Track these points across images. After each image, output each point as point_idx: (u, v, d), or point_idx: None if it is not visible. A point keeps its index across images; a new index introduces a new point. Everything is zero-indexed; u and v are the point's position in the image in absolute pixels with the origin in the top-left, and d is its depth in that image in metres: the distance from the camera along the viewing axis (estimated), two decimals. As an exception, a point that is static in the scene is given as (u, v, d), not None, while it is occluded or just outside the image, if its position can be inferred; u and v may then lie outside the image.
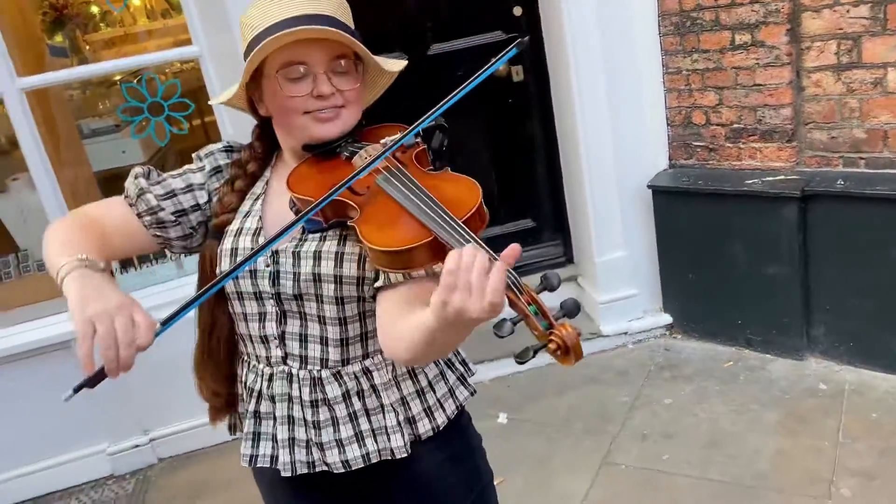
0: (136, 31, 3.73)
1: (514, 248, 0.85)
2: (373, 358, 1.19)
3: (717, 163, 2.90)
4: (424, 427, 1.21)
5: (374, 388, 1.19)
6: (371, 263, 1.09)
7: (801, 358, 2.81)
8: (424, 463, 1.23)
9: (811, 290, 2.73)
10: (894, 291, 2.52)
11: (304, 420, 1.19)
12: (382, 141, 1.09)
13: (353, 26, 1.15)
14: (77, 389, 0.94)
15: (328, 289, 1.14)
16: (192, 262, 3.05)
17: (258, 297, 1.17)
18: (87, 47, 5.00)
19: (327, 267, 1.13)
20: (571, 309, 0.85)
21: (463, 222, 0.95)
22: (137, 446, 3.00)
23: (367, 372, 1.19)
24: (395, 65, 1.22)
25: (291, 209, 1.12)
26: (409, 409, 1.20)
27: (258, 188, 1.24)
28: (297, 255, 1.14)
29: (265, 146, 1.25)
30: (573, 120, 3.01)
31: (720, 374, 2.86)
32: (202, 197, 1.24)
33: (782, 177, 2.70)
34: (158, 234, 1.22)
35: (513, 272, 0.86)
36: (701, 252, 2.95)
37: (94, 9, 3.73)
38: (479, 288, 0.83)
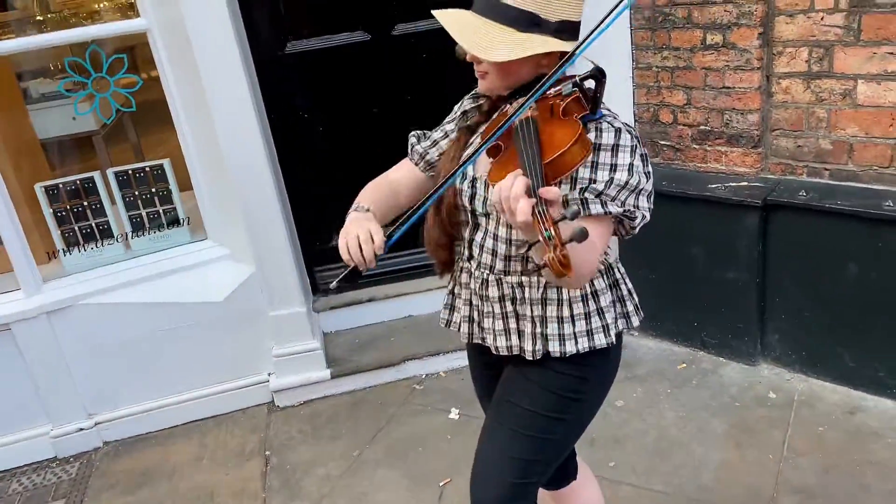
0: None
1: (552, 192, 1.07)
2: (530, 277, 1.40)
3: (682, 163, 2.84)
4: (553, 347, 1.41)
5: (524, 299, 1.42)
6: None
7: (754, 363, 2.81)
8: (549, 372, 1.44)
9: (768, 297, 2.71)
10: (849, 305, 2.51)
11: (476, 307, 1.49)
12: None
13: (536, 6, 1.28)
14: (341, 278, 1.35)
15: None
16: (141, 243, 2.98)
17: (463, 208, 1.45)
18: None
19: None
20: (580, 233, 1.01)
21: (548, 162, 1.15)
22: (82, 429, 2.94)
23: (521, 285, 1.42)
24: (518, 50, 1.28)
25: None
26: (546, 327, 1.41)
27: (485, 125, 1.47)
28: (486, 184, 1.38)
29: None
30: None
31: (673, 377, 2.85)
32: (454, 135, 1.52)
33: (745, 183, 2.65)
34: (433, 172, 1.56)
35: (541, 204, 1.06)
36: (661, 252, 2.91)
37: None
38: (511, 208, 1.07)
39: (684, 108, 2.76)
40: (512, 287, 1.43)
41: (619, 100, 2.91)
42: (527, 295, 1.42)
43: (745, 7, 2.47)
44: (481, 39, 1.28)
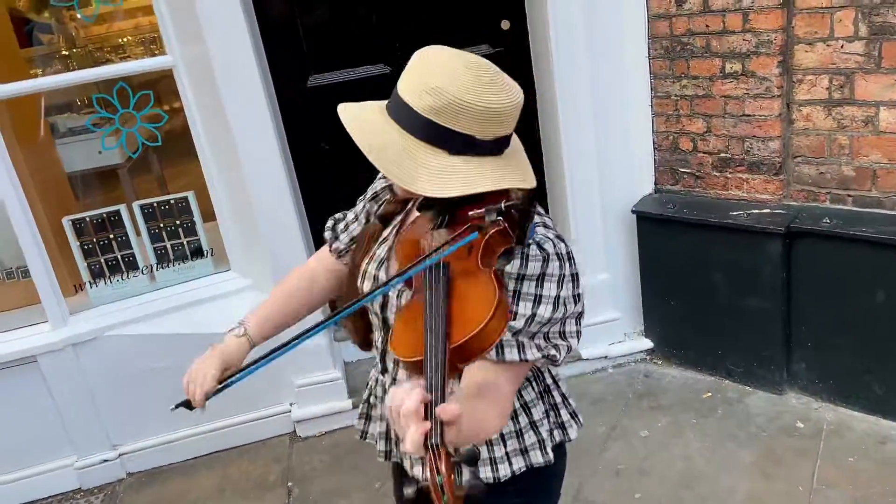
0: (126, 7, 3.59)
1: (450, 413, 0.85)
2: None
3: (702, 190, 2.84)
4: (485, 474, 1.24)
5: None
6: None
7: (781, 392, 2.78)
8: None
9: (793, 325, 2.68)
10: (876, 332, 2.48)
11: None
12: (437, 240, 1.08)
13: (465, 129, 1.08)
14: (177, 405, 1.41)
15: None
16: (165, 275, 3.02)
17: (374, 313, 1.30)
18: (73, 24, 4.88)
19: None
20: (469, 457, 0.84)
21: (456, 346, 0.94)
22: (106, 461, 2.95)
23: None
24: (457, 184, 1.09)
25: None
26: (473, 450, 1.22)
27: (400, 217, 1.34)
28: (399, 293, 1.21)
29: None
30: (558, 138, 2.94)
31: (698, 406, 2.82)
32: (363, 218, 1.41)
33: (768, 210, 2.64)
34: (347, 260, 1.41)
35: (436, 435, 0.84)
36: (684, 279, 2.89)
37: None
38: (402, 430, 0.86)
39: (704, 136, 2.76)
40: None
41: (638, 129, 2.93)
42: None
43: (764, 36, 2.48)
44: (406, 165, 1.09)
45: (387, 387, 1.32)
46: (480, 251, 1.05)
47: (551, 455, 1.27)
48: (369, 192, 1.43)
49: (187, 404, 1.37)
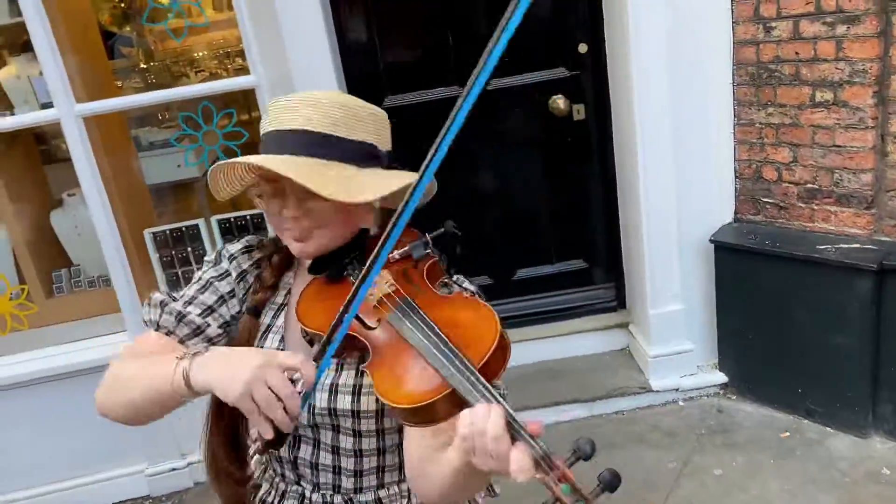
0: (203, 22, 3.67)
1: (537, 425, 0.80)
2: (388, 489, 1.14)
3: (786, 222, 2.74)
4: None
5: None
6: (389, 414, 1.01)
7: (865, 436, 2.64)
8: None
9: (882, 366, 2.55)
10: (975, 379, 2.34)
11: None
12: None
13: (368, 136, 1.08)
14: (259, 453, 1.10)
15: (345, 422, 1.09)
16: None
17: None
18: (152, 38, 5.06)
19: (343, 402, 1.07)
20: (610, 482, 0.79)
21: (481, 366, 0.87)
22: (175, 469, 3.01)
23: (378, 502, 1.15)
24: (379, 187, 1.04)
25: (304, 338, 1.06)
26: None
27: (279, 297, 1.18)
28: (339, 366, 1.09)
29: None
30: (634, 163, 2.88)
31: (776, 446, 2.71)
32: (234, 306, 1.18)
33: (857, 245, 2.53)
34: (206, 344, 1.16)
35: (539, 443, 0.79)
36: (763, 313, 2.79)
37: (164, 0, 3.72)
38: (502, 457, 0.78)
39: (790, 166, 2.67)
40: None
41: (719, 155, 2.85)
42: None
43: (859, 65, 2.38)
44: (329, 182, 1.00)
45: (309, 495, 1.15)
46: (428, 283, 1.04)
47: None
48: (234, 272, 1.19)
49: (274, 444, 0.97)
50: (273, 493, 1.20)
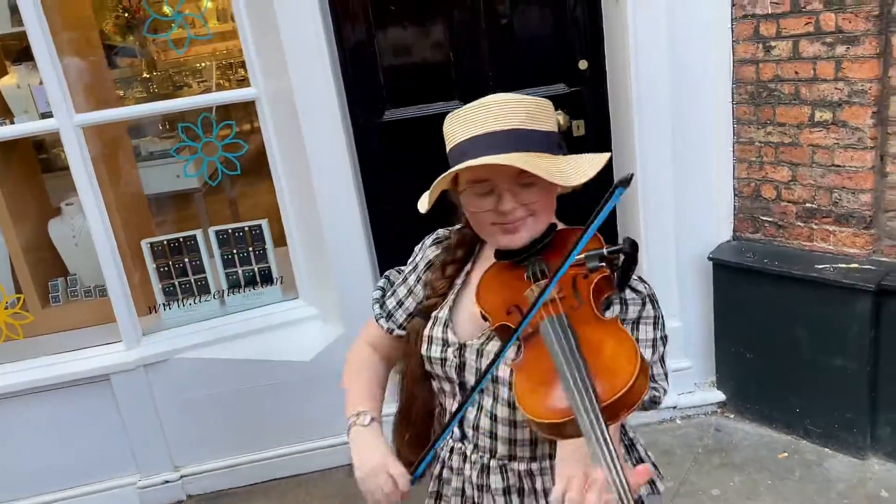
0: (206, 34, 3.69)
1: (644, 471, 0.86)
2: (540, 462, 1.20)
3: (784, 240, 2.74)
4: None
5: (534, 491, 1.21)
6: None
7: (863, 458, 2.63)
8: None
9: (880, 387, 2.54)
10: (974, 402, 2.33)
11: (473, 500, 1.26)
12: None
13: (551, 126, 1.16)
14: None
15: (503, 392, 1.16)
16: (235, 300, 3.06)
17: (448, 380, 1.25)
18: (155, 48, 5.07)
19: (505, 371, 1.15)
20: None
21: (607, 405, 0.89)
22: (167, 482, 2.98)
23: (530, 474, 1.21)
24: (586, 168, 1.13)
25: (482, 317, 1.15)
26: None
27: (460, 279, 1.30)
28: (479, 352, 1.19)
29: (473, 233, 1.28)
30: (633, 180, 2.87)
31: (774, 467, 2.68)
32: (420, 293, 1.34)
33: (856, 265, 2.52)
34: (402, 334, 1.34)
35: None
36: (761, 332, 2.78)
37: (167, 9, 3.73)
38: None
39: (789, 185, 2.67)
40: (519, 476, 1.22)
41: (718, 173, 2.85)
42: (538, 486, 1.21)
43: (858, 85, 2.39)
44: (547, 166, 1.08)
45: (469, 454, 1.25)
46: (592, 298, 1.04)
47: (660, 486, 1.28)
48: (420, 263, 1.36)
49: None
50: (444, 449, 1.31)
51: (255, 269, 3.07)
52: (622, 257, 1.03)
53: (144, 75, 4.88)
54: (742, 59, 2.68)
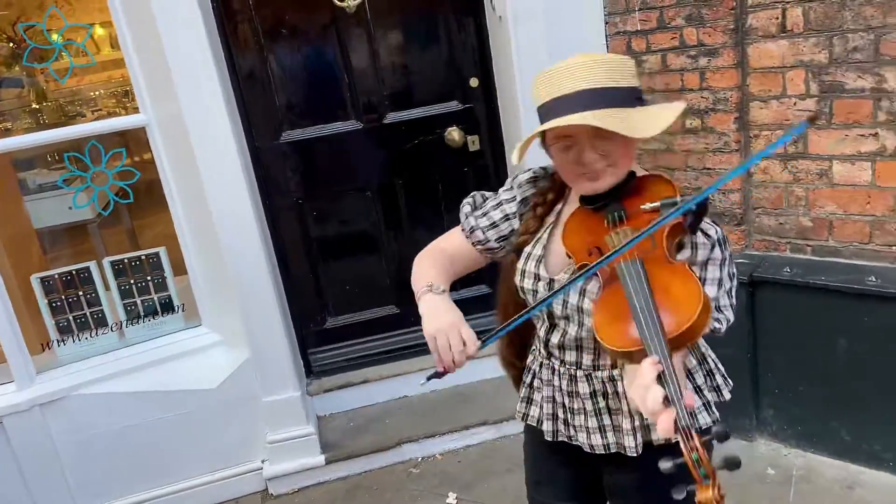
0: (100, 61, 3.60)
1: (691, 399, 0.99)
2: (620, 370, 1.34)
3: (668, 241, 2.91)
4: (657, 435, 1.29)
5: (617, 393, 1.37)
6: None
7: (751, 440, 2.81)
8: (650, 466, 1.30)
9: (760, 372, 2.73)
10: (841, 379, 2.53)
11: (563, 404, 1.43)
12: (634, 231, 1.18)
13: (630, 81, 1.25)
14: (429, 378, 1.29)
15: (587, 321, 1.31)
16: (135, 331, 2.99)
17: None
18: (44, 77, 4.87)
19: (588, 304, 1.30)
20: (732, 461, 0.96)
21: (672, 338, 1.03)
22: (71, 527, 2.87)
23: (612, 379, 1.37)
24: (657, 121, 1.23)
25: (567, 256, 1.30)
26: (645, 417, 1.32)
27: (551, 217, 1.42)
28: (582, 289, 1.31)
29: (562, 179, 1.38)
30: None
31: (671, 455, 2.83)
32: (515, 223, 1.45)
33: (732, 260, 2.71)
34: (489, 254, 1.49)
35: (689, 417, 0.96)
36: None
37: (55, 38, 3.62)
38: (654, 417, 0.98)
39: (668, 189, 2.84)
40: (603, 382, 1.39)
41: (604, 181, 3.00)
42: (620, 389, 1.37)
43: (721, 94, 2.58)
44: (619, 121, 1.18)
45: (557, 367, 1.42)
46: (665, 243, 1.16)
47: (717, 414, 1.42)
48: (518, 196, 1.45)
49: (441, 374, 1.28)
50: (535, 363, 1.49)
51: (155, 299, 3.01)
52: (707, 202, 1.16)
53: (34, 106, 4.69)
54: (618, 72, 2.85)
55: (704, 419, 1.40)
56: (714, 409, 1.42)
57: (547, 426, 1.47)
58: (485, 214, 1.47)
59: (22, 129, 4.29)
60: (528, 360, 1.52)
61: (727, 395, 1.47)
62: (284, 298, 3.14)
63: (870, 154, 2.35)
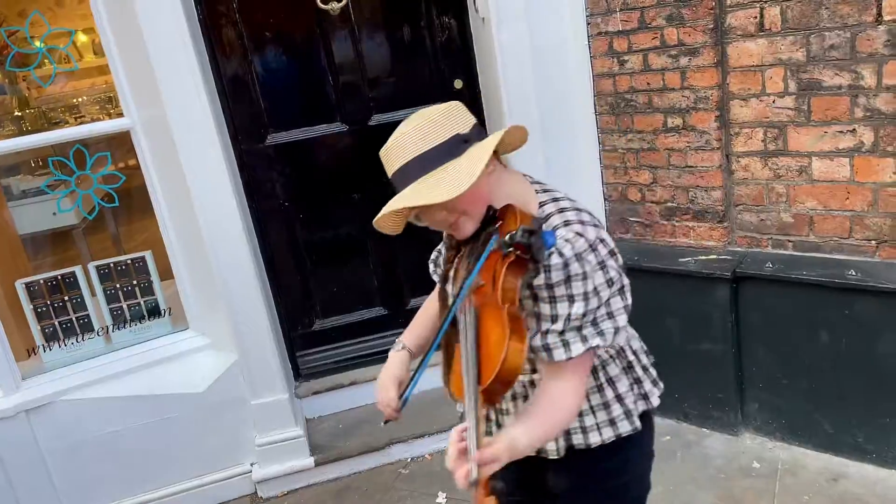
0: (82, 68, 3.61)
1: (483, 458, 1.09)
2: (539, 374, 1.37)
3: (652, 239, 2.94)
4: (577, 441, 1.40)
5: None
6: None
7: (736, 433, 2.84)
8: (580, 470, 1.44)
9: (744, 367, 2.76)
10: (824, 372, 2.57)
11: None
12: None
13: (453, 128, 1.26)
14: (385, 422, 1.48)
15: None
16: (122, 336, 2.98)
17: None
18: (26, 84, 4.85)
19: None
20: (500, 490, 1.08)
21: (484, 389, 1.11)
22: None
23: (533, 384, 1.39)
24: (481, 157, 1.23)
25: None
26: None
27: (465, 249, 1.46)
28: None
29: None
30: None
31: (657, 450, 2.83)
32: (438, 271, 1.55)
33: (714, 256, 2.75)
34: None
35: (475, 473, 1.06)
36: (637, 325, 2.92)
37: (38, 43, 3.60)
38: (453, 469, 1.11)
39: (651, 187, 2.88)
40: (524, 386, 1.41)
41: (589, 180, 3.04)
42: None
43: (702, 92, 2.62)
44: (432, 190, 1.21)
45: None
46: (502, 283, 1.18)
47: (638, 423, 1.42)
48: (443, 251, 1.57)
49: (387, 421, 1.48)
50: None
51: (142, 303, 3.00)
52: (526, 237, 1.16)
53: (16, 113, 4.67)
54: (600, 72, 2.88)
55: (625, 427, 1.41)
56: (636, 418, 1.42)
57: (459, 408, 1.51)
58: (434, 260, 1.61)
59: (4, 136, 4.26)
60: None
61: (655, 402, 1.48)
62: (272, 301, 3.14)
63: (848, 150, 2.39)
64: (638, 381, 1.46)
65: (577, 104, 2.95)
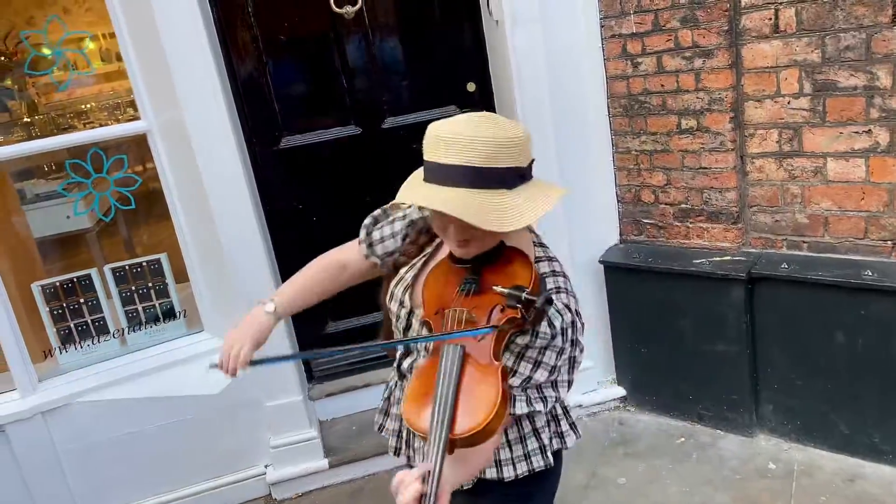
0: (91, 75, 3.62)
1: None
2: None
3: (665, 240, 2.95)
4: (490, 474, 1.39)
5: None
6: None
7: (751, 435, 2.84)
8: (489, 498, 1.43)
9: (759, 368, 2.76)
10: (839, 373, 2.57)
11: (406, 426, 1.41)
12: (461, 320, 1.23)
13: (515, 160, 1.20)
14: (211, 366, 1.49)
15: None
16: (137, 338, 2.99)
17: (398, 331, 1.44)
18: (35, 90, 4.88)
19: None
20: None
21: (456, 439, 1.09)
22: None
23: None
24: (526, 212, 1.19)
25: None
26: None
27: (430, 248, 1.46)
28: (424, 324, 1.32)
29: None
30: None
31: (673, 452, 2.86)
32: (399, 241, 1.51)
33: (728, 258, 2.75)
34: (375, 267, 1.56)
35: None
36: (652, 327, 2.97)
37: (47, 50, 3.63)
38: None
39: (665, 188, 2.88)
40: None
41: (602, 183, 3.04)
42: None
43: (716, 94, 2.63)
44: (481, 214, 1.15)
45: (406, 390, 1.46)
46: (495, 338, 1.18)
47: (551, 459, 1.41)
48: (409, 216, 1.50)
49: (219, 368, 1.47)
50: (392, 380, 1.57)
51: (157, 305, 3.01)
52: (534, 307, 1.13)
53: (25, 119, 4.69)
54: (614, 75, 2.89)
55: (538, 462, 1.39)
56: (549, 454, 1.41)
57: (392, 442, 1.54)
58: (380, 229, 1.55)
59: (13, 142, 4.29)
60: (389, 376, 1.57)
61: (570, 444, 1.46)
62: (286, 303, 3.14)
63: (863, 151, 2.40)
64: (556, 419, 1.45)
65: (591, 106, 2.96)
